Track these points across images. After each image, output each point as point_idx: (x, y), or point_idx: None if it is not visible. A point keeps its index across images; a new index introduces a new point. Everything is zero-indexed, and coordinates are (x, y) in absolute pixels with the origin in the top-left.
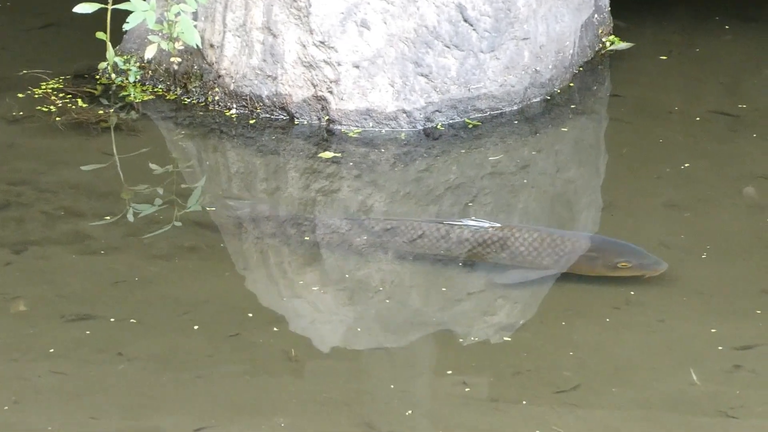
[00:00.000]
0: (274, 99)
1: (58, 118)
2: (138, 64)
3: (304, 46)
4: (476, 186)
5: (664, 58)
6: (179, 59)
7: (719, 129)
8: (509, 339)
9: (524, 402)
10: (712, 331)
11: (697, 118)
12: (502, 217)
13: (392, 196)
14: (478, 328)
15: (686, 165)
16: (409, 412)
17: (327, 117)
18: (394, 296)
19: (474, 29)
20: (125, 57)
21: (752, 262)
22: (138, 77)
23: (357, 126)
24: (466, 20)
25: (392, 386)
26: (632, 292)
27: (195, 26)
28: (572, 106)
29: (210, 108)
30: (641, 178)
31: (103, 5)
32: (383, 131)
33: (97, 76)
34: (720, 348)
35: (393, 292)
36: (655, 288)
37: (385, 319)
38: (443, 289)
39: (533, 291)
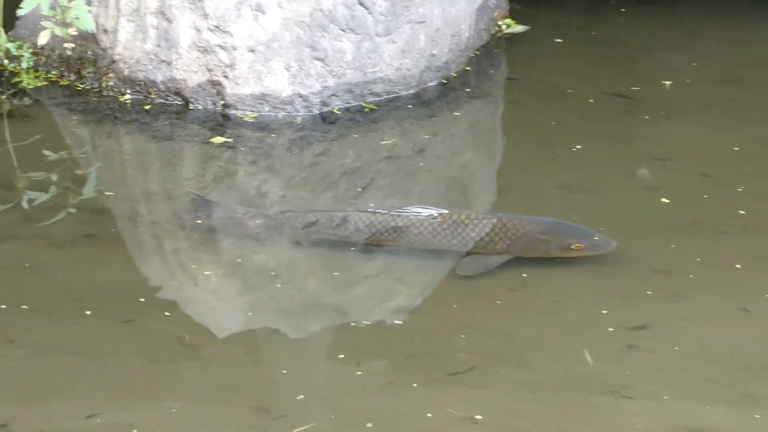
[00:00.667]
0: (169, 84)
1: None
2: (31, 50)
3: (198, 30)
4: (372, 170)
5: (560, 40)
6: (73, 45)
7: (614, 111)
8: (404, 322)
9: (417, 384)
10: (606, 312)
11: (593, 100)
12: (408, 201)
13: (288, 180)
14: (373, 311)
15: (581, 147)
16: (302, 395)
17: (222, 102)
18: (289, 281)
19: (369, 13)
20: (18, 43)
21: (646, 243)
22: (31, 63)
23: (253, 110)
24: (361, 4)
25: (286, 370)
26: (525, 275)
27: (89, 11)
28: (468, 90)
29: (104, 94)
30: (537, 161)
31: None
32: (279, 116)
33: None
34: (613, 329)
35: (288, 277)
36: (550, 270)
37: (279, 304)
38: (338, 273)
39: (429, 274)
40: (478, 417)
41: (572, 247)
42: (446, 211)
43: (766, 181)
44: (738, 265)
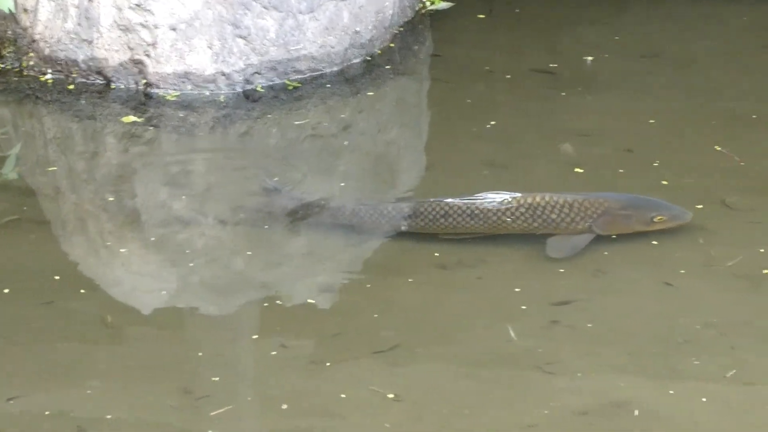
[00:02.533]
0: (90, 63)
1: None
2: None
3: (119, 9)
4: (297, 148)
5: (484, 16)
6: None
7: (537, 87)
8: (329, 301)
9: (341, 363)
10: (529, 287)
11: (516, 77)
12: (334, 178)
13: (213, 159)
14: (299, 290)
15: (505, 123)
16: (225, 376)
17: (145, 81)
18: (214, 260)
19: None
20: None
21: None
22: None
23: (175, 89)
24: None
25: (209, 350)
26: (449, 253)
27: None
28: (393, 67)
29: (25, 74)
30: (462, 137)
31: None
32: (202, 94)
33: None
34: (536, 304)
35: (213, 256)
36: (473, 246)
37: (205, 283)
38: (265, 251)
39: (356, 252)
40: (402, 394)
41: (654, 220)
42: (519, 195)
43: (681, 155)
44: (654, 242)
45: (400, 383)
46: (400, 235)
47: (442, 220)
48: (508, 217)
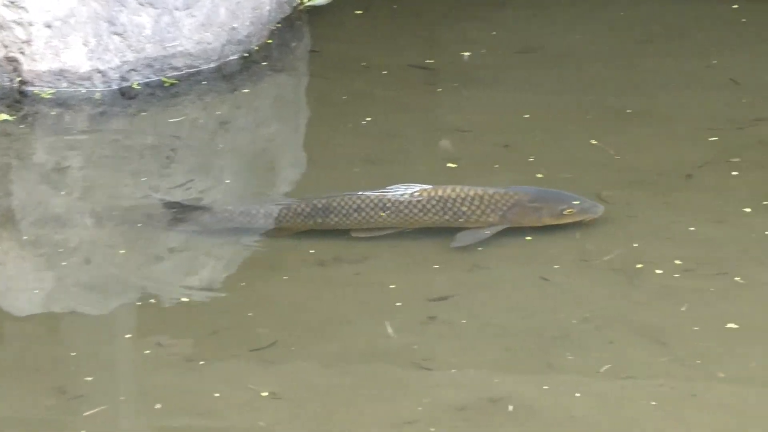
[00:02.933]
0: None
1: None
2: None
3: None
4: (174, 145)
5: (360, 12)
6: None
7: (415, 82)
8: (206, 299)
9: (218, 361)
10: (407, 283)
11: (394, 73)
12: (212, 175)
13: (89, 157)
14: (177, 287)
15: (383, 119)
16: (101, 375)
17: (19, 78)
18: (91, 258)
19: None
20: None
21: None
22: None
23: (51, 87)
24: None
25: (86, 350)
26: (328, 249)
27: None
28: (270, 63)
29: None
30: (341, 134)
31: None
32: (78, 92)
33: None
34: (415, 300)
35: (90, 255)
36: (352, 243)
37: (80, 282)
38: (141, 250)
39: (233, 250)
40: (280, 392)
41: (564, 213)
42: (429, 187)
43: (558, 149)
44: (528, 237)
45: (278, 381)
46: (278, 232)
47: (355, 215)
48: (420, 210)
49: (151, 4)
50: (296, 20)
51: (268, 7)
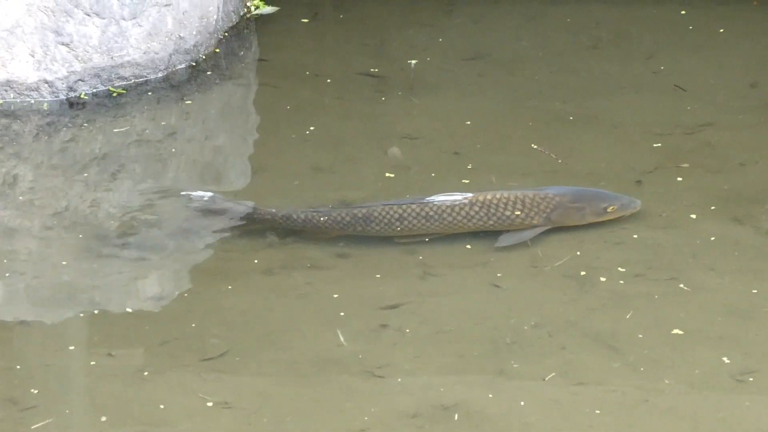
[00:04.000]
0: None
1: None
2: None
3: None
4: (123, 155)
5: (308, 21)
6: None
7: (363, 90)
8: (157, 308)
9: (170, 371)
10: (359, 291)
11: (342, 81)
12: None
13: (38, 167)
14: (125, 298)
15: (332, 127)
16: (52, 386)
17: None
18: (39, 269)
19: None
20: None
21: None
22: None
23: None
24: None
25: (38, 361)
26: (279, 258)
27: None
28: (218, 72)
29: None
30: (289, 142)
31: None
32: (25, 102)
33: None
34: (367, 308)
35: (39, 265)
36: (303, 252)
37: (32, 293)
38: (90, 260)
39: (183, 259)
40: (231, 401)
41: (608, 210)
42: (471, 194)
43: (505, 155)
44: (468, 246)
45: (229, 390)
46: (225, 240)
47: (398, 224)
48: (464, 217)
49: (98, 15)
50: (244, 29)
51: (215, 17)
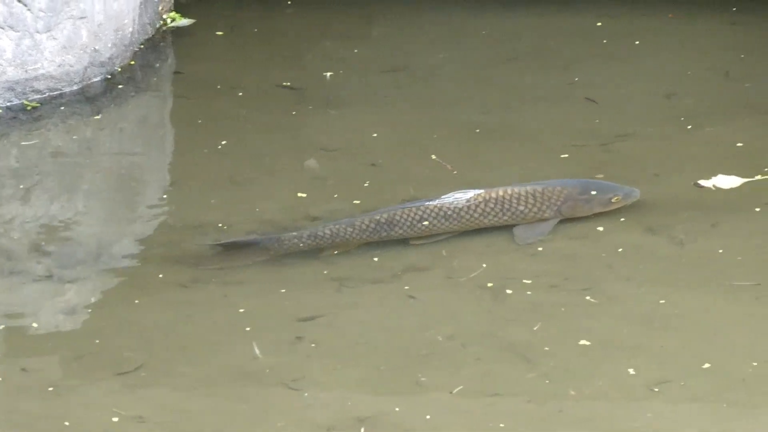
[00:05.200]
0: None
1: None
2: None
3: None
4: (38, 169)
5: (223, 33)
6: None
7: (280, 102)
8: (72, 323)
9: (84, 386)
10: (276, 304)
11: (259, 93)
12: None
13: None
14: (40, 312)
15: (249, 139)
16: None
17: None
18: None
19: (29, 9)
20: None
21: None
22: None
23: None
24: (20, 0)
25: None
26: (194, 270)
27: None
28: (134, 85)
29: None
30: (206, 155)
31: None
32: None
33: None
34: (283, 320)
35: None
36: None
37: None
38: (5, 274)
39: (97, 273)
40: (147, 416)
41: (612, 200)
42: (482, 191)
43: (420, 167)
44: (375, 258)
45: (145, 404)
46: (138, 255)
47: (419, 225)
48: (480, 213)
49: (12, 27)
50: (160, 41)
51: (130, 29)
